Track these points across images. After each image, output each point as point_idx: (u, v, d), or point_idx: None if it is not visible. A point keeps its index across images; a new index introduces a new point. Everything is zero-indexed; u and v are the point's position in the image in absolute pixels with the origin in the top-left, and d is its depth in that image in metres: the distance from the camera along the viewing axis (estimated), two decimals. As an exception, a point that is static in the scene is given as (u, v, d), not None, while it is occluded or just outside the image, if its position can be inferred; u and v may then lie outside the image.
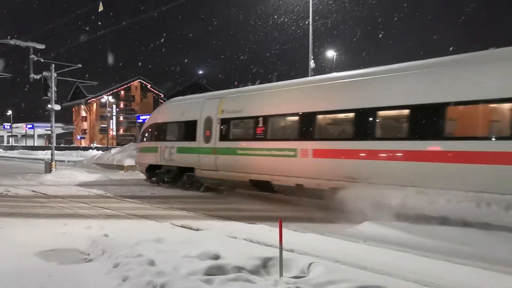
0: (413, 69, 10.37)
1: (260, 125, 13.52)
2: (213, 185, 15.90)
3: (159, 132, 18.17)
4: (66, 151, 55.06)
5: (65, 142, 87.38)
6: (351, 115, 11.12)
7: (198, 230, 9.43)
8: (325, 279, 5.65)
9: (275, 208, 13.08)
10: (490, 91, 8.75)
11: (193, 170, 16.13)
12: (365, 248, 7.81)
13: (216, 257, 6.76)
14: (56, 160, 24.32)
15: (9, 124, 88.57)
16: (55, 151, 25.12)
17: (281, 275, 6.02)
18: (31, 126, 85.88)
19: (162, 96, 66.03)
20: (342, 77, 12.14)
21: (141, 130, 20.50)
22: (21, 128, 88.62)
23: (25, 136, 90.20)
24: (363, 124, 10.80)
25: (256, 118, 13.71)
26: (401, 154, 9.97)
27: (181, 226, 9.89)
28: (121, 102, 68.48)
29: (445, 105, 9.34)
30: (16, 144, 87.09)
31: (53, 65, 23.81)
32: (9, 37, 23.87)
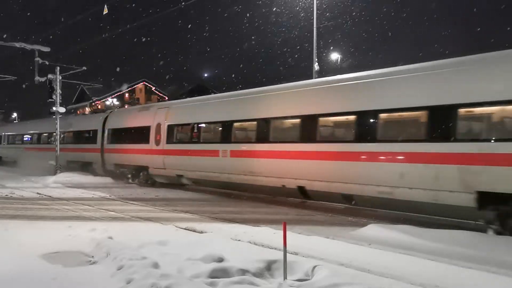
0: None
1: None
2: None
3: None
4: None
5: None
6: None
7: (202, 232, 9.43)
8: (330, 282, 5.63)
9: (279, 211, 13.06)
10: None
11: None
12: (369, 251, 7.78)
13: (220, 259, 6.76)
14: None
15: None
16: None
17: (285, 278, 6.00)
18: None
19: (167, 98, 66.13)
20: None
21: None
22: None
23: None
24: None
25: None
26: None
27: (185, 229, 9.89)
28: (126, 104, 68.58)
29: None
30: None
31: (58, 68, 23.93)
32: (18, 38, 24.00)
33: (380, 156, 10.49)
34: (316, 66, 25.27)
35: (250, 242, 8.33)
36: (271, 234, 8.97)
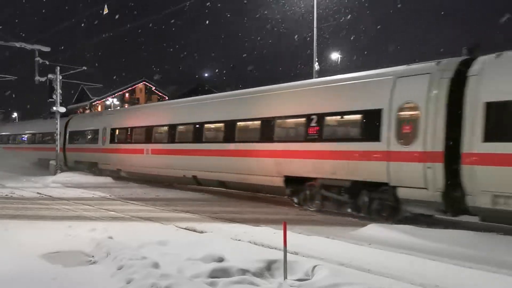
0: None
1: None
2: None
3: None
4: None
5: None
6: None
7: (202, 232, 9.43)
8: (330, 282, 5.63)
9: (279, 211, 13.07)
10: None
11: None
12: (369, 251, 7.78)
13: (220, 259, 6.76)
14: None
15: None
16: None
17: (285, 278, 6.00)
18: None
19: (167, 98, 66.10)
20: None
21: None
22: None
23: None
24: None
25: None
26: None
27: (185, 229, 9.89)
28: (126, 104, 68.57)
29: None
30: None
31: (58, 68, 23.93)
32: (19, 36, 24.04)
33: (237, 153, 14.84)
34: (316, 66, 25.28)
35: (250, 242, 8.33)
36: (271, 234, 8.97)
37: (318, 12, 25.01)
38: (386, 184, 10.49)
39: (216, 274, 6.07)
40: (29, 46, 24.42)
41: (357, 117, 11.46)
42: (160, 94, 71.45)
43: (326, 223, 10.89)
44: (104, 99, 66.69)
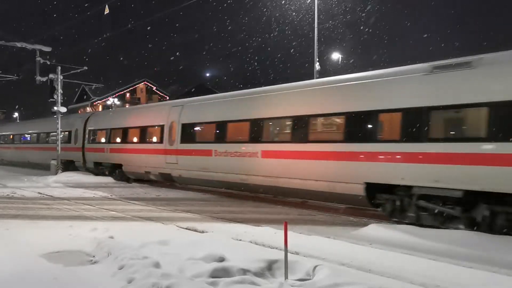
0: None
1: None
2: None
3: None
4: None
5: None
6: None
7: (203, 232, 9.43)
8: (331, 282, 5.63)
9: (280, 211, 13.06)
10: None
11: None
12: (370, 251, 7.79)
13: (221, 259, 6.76)
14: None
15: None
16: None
17: (286, 277, 6.00)
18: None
19: (168, 98, 66.10)
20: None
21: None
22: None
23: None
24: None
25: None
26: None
27: (186, 228, 9.90)
28: (127, 104, 68.54)
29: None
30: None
31: (59, 68, 23.94)
32: (25, 34, 24.05)
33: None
34: (317, 66, 25.27)
35: (251, 242, 8.34)
36: (272, 234, 8.98)
37: (322, 12, 24.96)
38: None
39: (217, 274, 6.07)
40: (30, 46, 24.42)
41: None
42: (161, 94, 71.49)
43: (327, 223, 10.89)
44: (105, 99, 66.73)
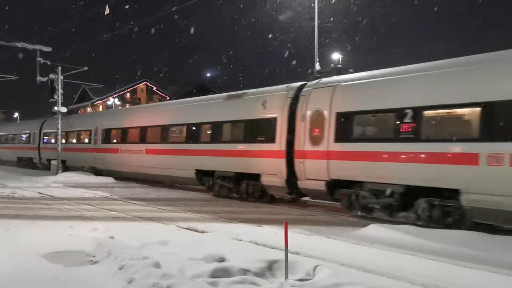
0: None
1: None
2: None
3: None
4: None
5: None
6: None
7: (203, 232, 9.43)
8: (331, 282, 5.63)
9: (280, 211, 13.07)
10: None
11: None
12: (370, 251, 7.79)
13: (222, 259, 6.76)
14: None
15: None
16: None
17: (286, 277, 6.00)
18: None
19: (168, 98, 66.10)
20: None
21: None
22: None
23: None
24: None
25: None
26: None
27: (186, 229, 9.89)
28: (127, 104, 68.55)
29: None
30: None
31: (60, 68, 23.95)
32: (26, 34, 24.05)
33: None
34: (317, 66, 25.25)
35: (251, 242, 8.33)
36: (272, 234, 8.98)
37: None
38: None
39: (217, 274, 6.07)
40: (30, 46, 24.43)
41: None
42: (161, 94, 71.52)
43: (327, 223, 10.89)
44: (105, 99, 66.77)
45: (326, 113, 11.92)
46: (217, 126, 16.07)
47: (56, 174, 23.26)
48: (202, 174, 16.43)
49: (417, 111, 9.87)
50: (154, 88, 71.85)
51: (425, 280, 6.03)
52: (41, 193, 16.61)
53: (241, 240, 8.56)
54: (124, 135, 21.49)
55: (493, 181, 8.56)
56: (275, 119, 13.49)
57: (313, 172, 12.14)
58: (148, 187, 19.37)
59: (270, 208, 13.47)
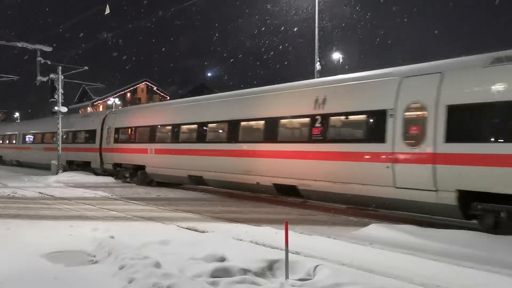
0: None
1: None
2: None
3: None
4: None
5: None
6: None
7: (204, 232, 9.43)
8: (331, 282, 5.62)
9: (280, 210, 13.07)
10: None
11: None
12: (371, 251, 7.78)
13: (222, 259, 6.76)
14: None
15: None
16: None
17: (287, 277, 6.00)
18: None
19: (168, 98, 66.14)
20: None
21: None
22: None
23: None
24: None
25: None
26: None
27: (187, 228, 9.90)
28: (127, 104, 68.66)
29: None
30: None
31: (60, 68, 23.96)
32: (26, 34, 24.03)
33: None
34: (317, 66, 25.26)
35: (251, 242, 8.33)
36: (272, 234, 8.97)
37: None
38: None
39: (217, 273, 6.07)
40: (31, 46, 24.45)
41: None
42: (161, 94, 71.54)
43: (327, 223, 10.88)
44: (105, 99, 66.80)
45: None
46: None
47: (57, 174, 23.27)
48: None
49: None
50: (155, 88, 71.90)
51: (425, 280, 6.03)
52: (42, 193, 16.62)
53: (241, 240, 8.56)
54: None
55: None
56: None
57: None
58: (148, 187, 19.36)
59: (270, 208, 13.47)
